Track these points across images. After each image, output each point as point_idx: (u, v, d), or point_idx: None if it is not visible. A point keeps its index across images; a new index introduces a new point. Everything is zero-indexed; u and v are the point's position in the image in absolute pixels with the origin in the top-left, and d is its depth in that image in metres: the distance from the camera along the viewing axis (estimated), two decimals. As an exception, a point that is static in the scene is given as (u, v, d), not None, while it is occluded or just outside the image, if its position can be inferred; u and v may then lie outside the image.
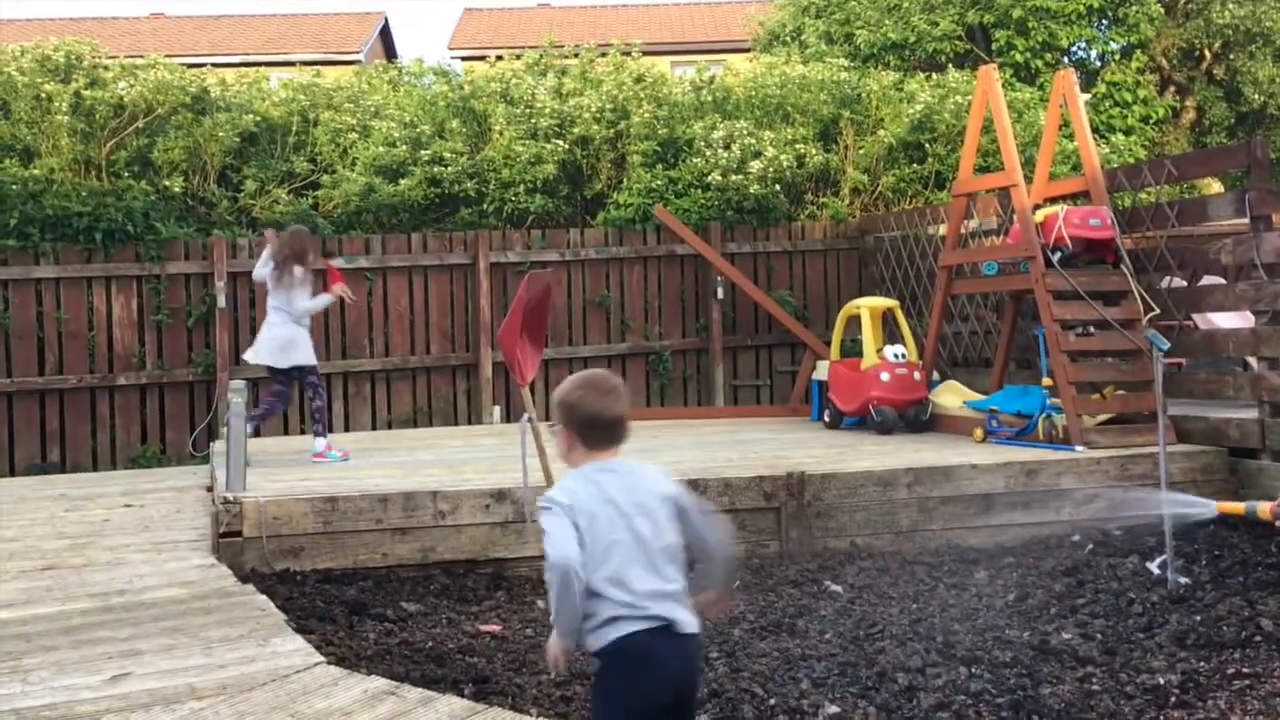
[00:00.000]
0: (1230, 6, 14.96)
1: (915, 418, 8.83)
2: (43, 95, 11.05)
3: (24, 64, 11.43)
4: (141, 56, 12.52)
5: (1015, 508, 6.88)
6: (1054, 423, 7.63)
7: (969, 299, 9.91)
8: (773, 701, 4.13)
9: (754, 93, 12.68)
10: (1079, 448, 7.26)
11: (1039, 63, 14.76)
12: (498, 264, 10.87)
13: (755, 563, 6.37)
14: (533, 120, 11.82)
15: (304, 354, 8.04)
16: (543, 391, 10.95)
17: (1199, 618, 4.90)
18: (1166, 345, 5.78)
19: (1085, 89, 14.34)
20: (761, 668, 4.49)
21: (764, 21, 18.05)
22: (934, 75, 13.46)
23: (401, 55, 31.28)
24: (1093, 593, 5.43)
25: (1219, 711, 3.86)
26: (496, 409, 10.74)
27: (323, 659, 3.98)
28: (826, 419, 9.55)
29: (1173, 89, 16.32)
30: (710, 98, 12.70)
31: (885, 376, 8.88)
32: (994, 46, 14.95)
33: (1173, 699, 3.99)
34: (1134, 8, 15.01)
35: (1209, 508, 4.08)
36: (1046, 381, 7.92)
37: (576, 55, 13.25)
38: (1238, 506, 2.15)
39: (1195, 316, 8.82)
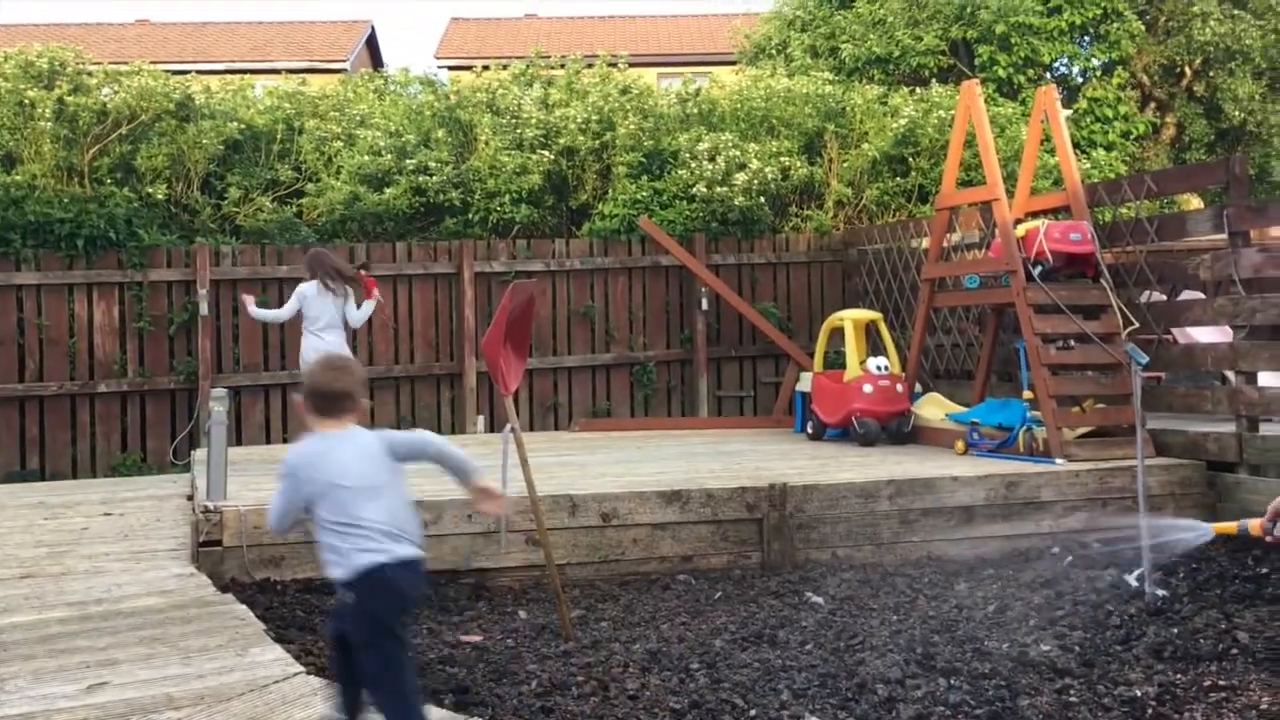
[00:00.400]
0: (1211, 24, 15.09)
1: (897, 430, 8.87)
2: (26, 101, 11.01)
3: (7, 70, 11.40)
4: (126, 63, 12.49)
5: (995, 520, 6.92)
6: (1034, 435, 7.68)
7: (951, 312, 9.96)
8: (753, 712, 4.14)
9: (739, 105, 12.74)
10: (1059, 460, 7.31)
11: (1021, 78, 14.87)
12: (482, 274, 10.87)
13: (737, 573, 6.38)
14: (518, 130, 11.84)
15: None
16: (527, 402, 10.96)
17: (1176, 630, 4.94)
18: (1145, 359, 5.83)
19: (1067, 105, 14.46)
20: (742, 678, 4.50)
21: (750, 35, 18.13)
22: (918, 90, 13.54)
23: (388, 64, 31.26)
24: (1071, 604, 5.46)
25: (1195, 724, 3.90)
26: (480, 418, 10.74)
27: (302, 669, 3.97)
28: (810, 430, 9.58)
29: (1153, 105, 16.45)
30: (696, 110, 12.75)
31: (868, 388, 8.92)
32: (977, 62, 15.04)
33: (1150, 711, 4.01)
34: (1115, 25, 15.14)
35: (1205, 531, 4.10)
36: (1027, 394, 7.96)
37: (563, 66, 13.28)
38: (1230, 526, 2.16)
39: (1174, 331, 8.89)
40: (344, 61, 28.09)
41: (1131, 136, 15.22)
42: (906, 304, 10.42)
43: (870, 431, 8.76)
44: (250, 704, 3.56)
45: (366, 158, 11.38)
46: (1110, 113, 15.04)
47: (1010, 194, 8.80)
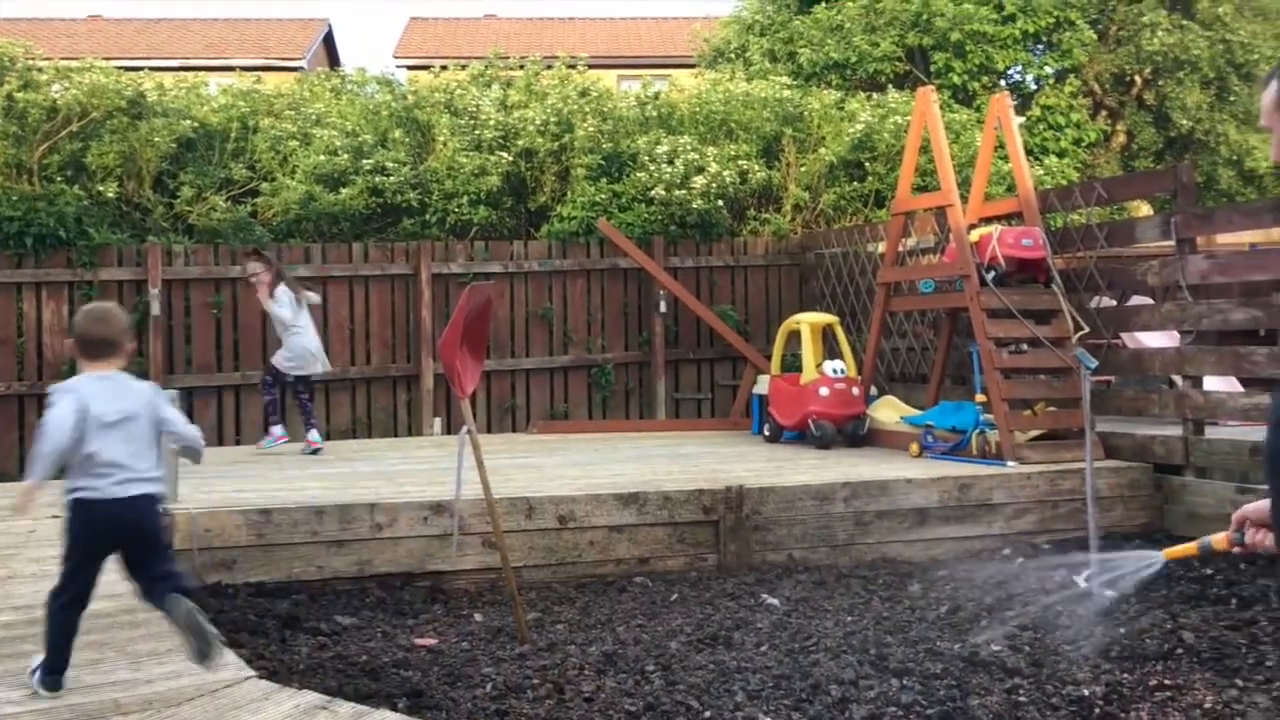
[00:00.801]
0: (1159, 34, 15.36)
1: (853, 432, 8.94)
2: (-27, 97, 10.83)
3: (-46, 65, 11.20)
4: (77, 59, 12.31)
5: (949, 521, 7.00)
6: (987, 438, 7.77)
7: (907, 316, 10.06)
8: (708, 714, 4.16)
9: (698, 109, 12.79)
10: (1011, 463, 7.40)
11: (976, 85, 15.04)
12: (440, 275, 10.82)
13: (693, 575, 6.41)
14: (477, 132, 11.81)
15: None
16: (484, 404, 10.92)
17: (1123, 630, 5.02)
18: (1094, 364, 5.92)
19: (1020, 112, 14.66)
20: (697, 680, 4.51)
21: (709, 38, 18.20)
22: (874, 95, 13.66)
23: (345, 63, 31.06)
24: (1022, 605, 5.53)
25: (1141, 722, 3.96)
26: (437, 421, 10.69)
27: (253, 673, 3.93)
28: (767, 433, 9.63)
29: (1104, 113, 16.71)
30: (655, 113, 12.78)
31: (824, 391, 8.98)
32: (933, 68, 15.20)
33: (1097, 710, 4.08)
34: (1067, 34, 15.36)
35: (1155, 560, 4.11)
36: (980, 398, 8.06)
37: (522, 67, 13.26)
38: (1189, 548, 2.16)
39: (1123, 335, 9.04)
40: (301, 60, 27.87)
41: (1083, 144, 15.45)
42: (863, 307, 10.51)
43: (826, 434, 8.82)
44: (200, 709, 3.52)
45: (322, 157, 11.29)
46: (1062, 120, 15.26)
47: (965, 200, 8.90)
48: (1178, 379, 7.73)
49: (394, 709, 4.03)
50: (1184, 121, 15.67)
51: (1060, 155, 14.83)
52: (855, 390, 9.10)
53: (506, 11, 34.28)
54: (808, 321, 9.56)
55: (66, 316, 9.98)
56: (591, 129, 11.92)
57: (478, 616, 5.63)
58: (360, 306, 10.74)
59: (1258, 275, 7.73)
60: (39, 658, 3.67)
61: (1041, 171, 13.55)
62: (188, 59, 26.93)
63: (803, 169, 12.29)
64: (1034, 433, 7.90)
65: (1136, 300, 8.93)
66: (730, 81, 13.61)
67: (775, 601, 5.81)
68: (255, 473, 7.77)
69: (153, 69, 13.99)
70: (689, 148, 11.69)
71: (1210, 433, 7.41)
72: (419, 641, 5.15)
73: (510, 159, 11.62)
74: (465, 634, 5.29)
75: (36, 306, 9.93)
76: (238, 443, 10.10)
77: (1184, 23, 15.57)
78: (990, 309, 8.03)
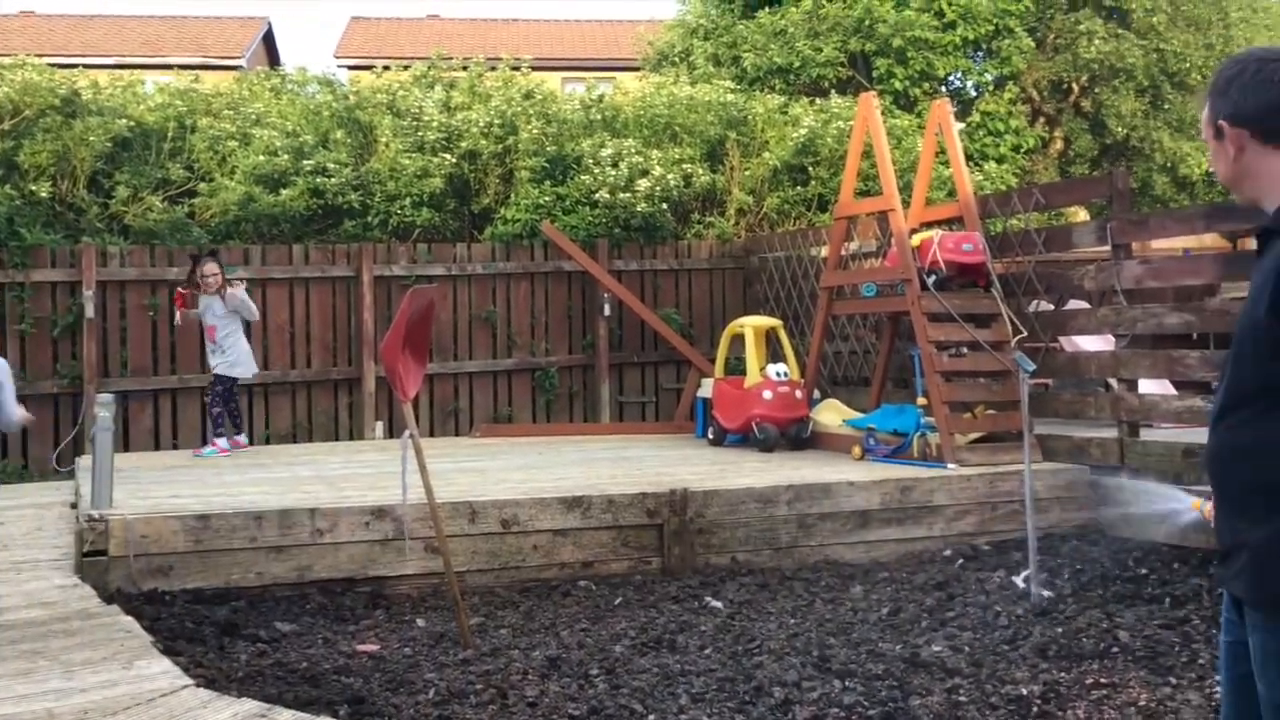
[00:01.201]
0: (1095, 43, 15.66)
1: (797, 435, 8.99)
2: (-100, 93, 10.54)
3: (-121, 59, 10.89)
4: (9, 56, 12.03)
5: (890, 523, 7.06)
6: (928, 441, 7.86)
7: (849, 319, 10.14)
8: (651, 718, 4.16)
9: (642, 112, 12.80)
10: (951, 465, 7.49)
11: (917, 91, 15.22)
12: (382, 277, 10.72)
13: (638, 579, 6.40)
14: (419, 133, 11.72)
15: None
16: (427, 407, 10.84)
17: (1061, 630, 5.09)
18: (1032, 367, 6.01)
19: (960, 118, 14.87)
20: (641, 684, 4.51)
21: (653, 42, 18.24)
22: (817, 100, 13.77)
23: (286, 63, 30.66)
24: (962, 606, 5.60)
25: (1077, 720, 4.03)
26: (379, 424, 10.59)
27: (191, 681, 3.87)
28: (711, 436, 9.66)
29: (1043, 120, 17.00)
30: (599, 115, 12.78)
31: (768, 394, 9.02)
32: (875, 74, 15.37)
33: (1035, 709, 4.14)
34: (1006, 41, 15.60)
35: (1185, 505, 4.02)
36: (921, 401, 8.15)
37: (465, 69, 13.19)
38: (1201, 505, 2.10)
39: (1061, 339, 9.19)
40: (240, 58, 27.50)
41: (1022, 150, 15.70)
42: (806, 311, 10.58)
43: (770, 437, 8.86)
44: (135, 718, 3.45)
45: (262, 158, 11.14)
46: (1002, 126, 15.50)
47: (906, 204, 9.00)
48: (1113, 382, 7.87)
49: (335, 716, 3.98)
50: (1119, 129, 15.99)
51: (1000, 161, 15.06)
52: (798, 393, 9.15)
53: (449, 12, 34.11)
54: (751, 325, 9.60)
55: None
56: (535, 131, 11.89)
57: (420, 622, 5.58)
58: (301, 309, 10.61)
59: (1190, 280, 7.91)
60: None
61: (981, 177, 13.75)
62: (124, 57, 26.44)
63: (747, 173, 12.36)
64: (974, 435, 8.00)
65: (1074, 304, 9.09)
66: (674, 85, 13.65)
67: (719, 604, 5.82)
68: (193, 478, 7.64)
69: (88, 67, 13.73)
70: (633, 151, 11.70)
71: (1145, 435, 7.56)
72: (360, 647, 5.09)
73: (453, 161, 11.55)
74: (407, 639, 5.25)
75: (-35, 308, 9.69)
76: (174, 447, 9.92)
77: (1119, 32, 15.89)
78: (931, 313, 8.12)
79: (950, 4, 15.32)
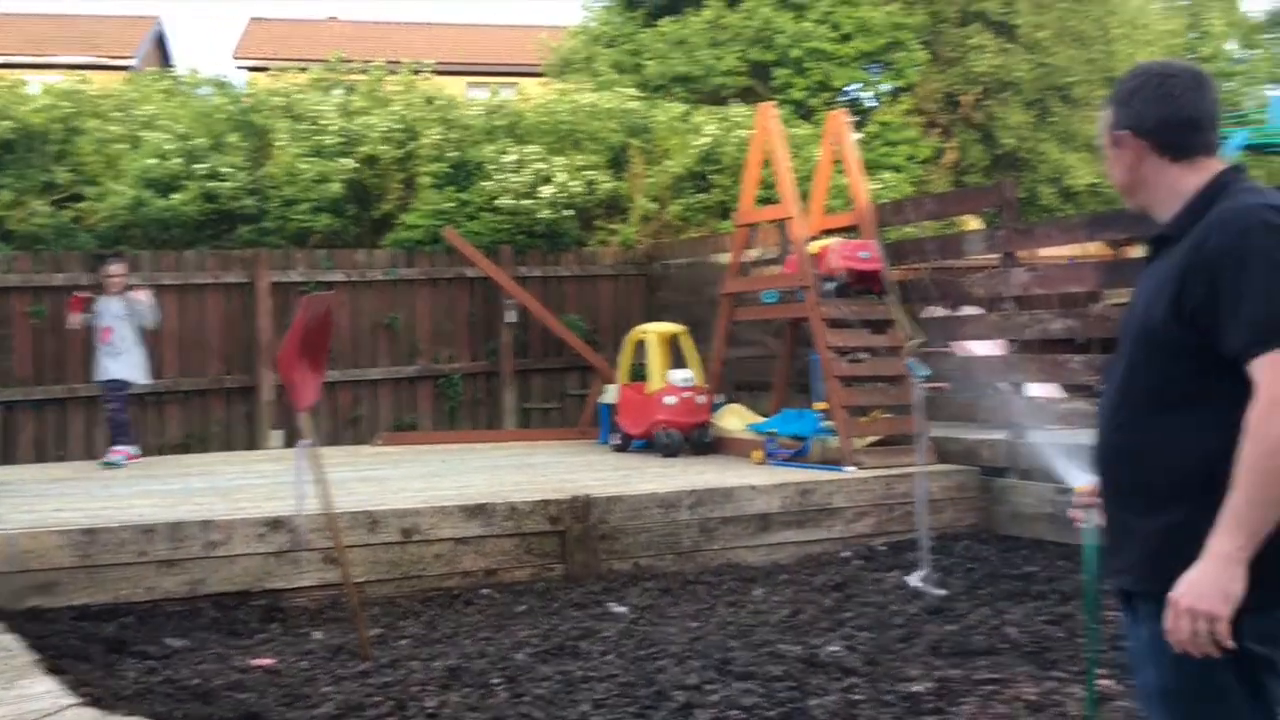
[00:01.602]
0: (986, 56, 16.12)
1: (699, 440, 9.07)
2: None
3: None
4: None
5: (791, 526, 7.16)
6: (827, 444, 7.99)
7: (751, 325, 10.26)
8: (553, 725, 4.16)
9: (546, 118, 12.79)
10: (849, 468, 7.62)
11: (816, 101, 15.49)
12: (279, 284, 10.52)
13: (541, 586, 6.39)
14: (318, 137, 11.54)
15: None
16: (328, 416, 10.67)
17: (952, 627, 5.23)
18: (925, 372, 6.16)
19: (858, 128, 15.16)
20: (543, 691, 4.51)
21: (557, 48, 18.24)
22: (719, 109, 13.91)
23: (181, 64, 29.91)
24: (859, 606, 5.71)
25: (968, 716, 4.13)
26: (277, 434, 10.38)
27: (76, 701, 3.75)
28: (615, 442, 9.69)
29: (937, 131, 17.43)
30: (502, 121, 12.73)
31: (671, 400, 9.08)
32: (774, 84, 15.59)
33: (927, 706, 4.24)
34: (901, 54, 15.97)
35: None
36: (820, 405, 8.28)
37: (365, 72, 13.03)
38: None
39: (954, 344, 9.43)
40: (131, 58, 26.75)
41: (917, 160, 16.07)
42: (709, 317, 10.66)
43: (673, 442, 8.92)
44: (16, 742, 3.34)
45: (152, 161, 10.85)
46: (897, 137, 15.84)
47: (805, 212, 9.14)
48: (1004, 385, 8.10)
49: (228, 733, 3.89)
50: (1009, 140, 16.47)
51: (895, 170, 15.39)
52: (701, 399, 9.24)
53: (350, 14, 33.61)
54: (654, 331, 9.66)
55: None
56: (437, 136, 11.80)
57: (317, 634, 5.49)
58: (194, 316, 10.36)
59: (1074, 287, 8.19)
60: None
61: (878, 186, 14.03)
62: (8, 55, 25.52)
63: (650, 180, 12.43)
64: (871, 438, 8.16)
65: (966, 310, 9.33)
66: (577, 92, 13.67)
67: (622, 610, 5.84)
68: (79, 490, 7.40)
69: (-33, 64, 13.20)
70: (536, 157, 11.69)
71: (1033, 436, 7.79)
72: (255, 662, 4.99)
73: (353, 166, 11.40)
74: (304, 653, 5.16)
75: None
76: (60, 458, 9.60)
77: (1008, 46, 16.38)
78: (830, 319, 8.27)
79: (847, 17, 15.63)
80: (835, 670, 4.67)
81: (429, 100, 12.48)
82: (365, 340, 10.92)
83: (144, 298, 9.00)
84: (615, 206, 12.42)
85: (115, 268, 9.04)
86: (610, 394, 9.97)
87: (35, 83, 12.93)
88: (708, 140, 12.55)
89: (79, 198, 10.86)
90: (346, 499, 6.45)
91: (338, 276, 10.73)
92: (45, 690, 3.81)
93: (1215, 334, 2.02)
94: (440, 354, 11.17)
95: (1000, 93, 16.47)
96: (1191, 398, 2.07)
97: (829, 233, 9.18)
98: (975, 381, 8.64)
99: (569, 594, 6.21)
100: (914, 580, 5.90)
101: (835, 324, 8.27)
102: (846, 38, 15.57)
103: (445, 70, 19.33)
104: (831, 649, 4.96)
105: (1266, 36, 20.76)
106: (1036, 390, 8.44)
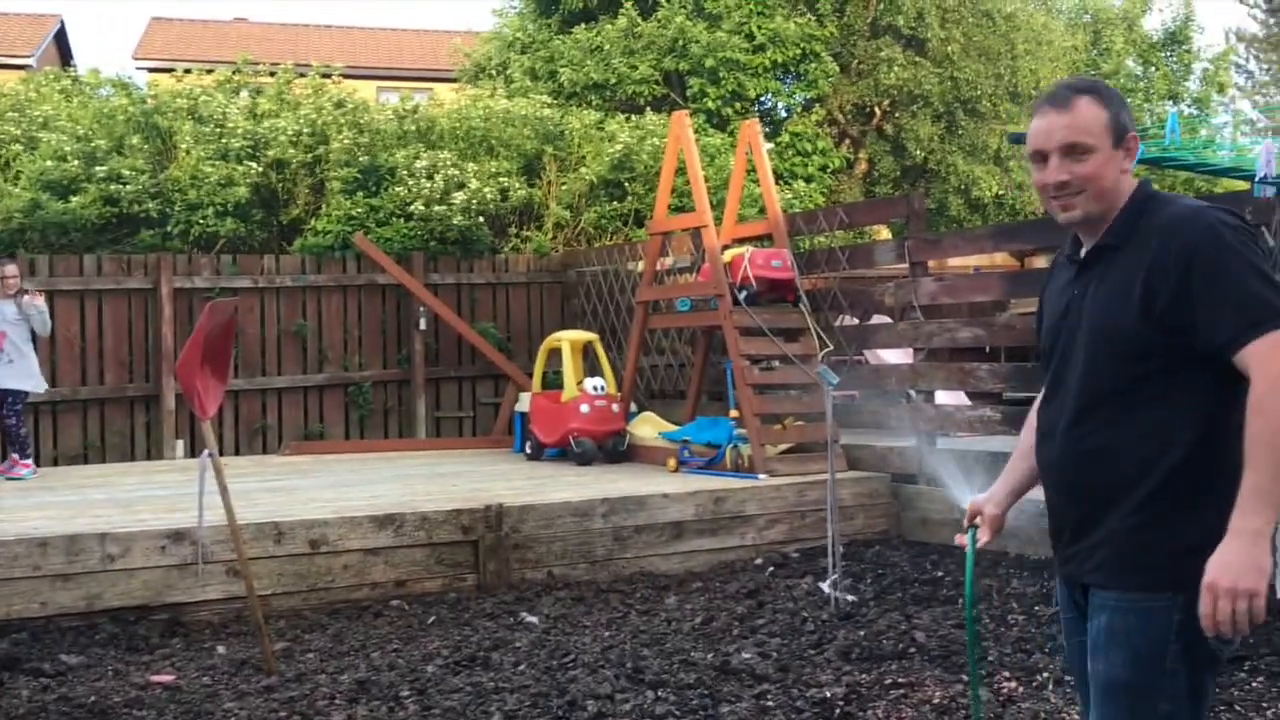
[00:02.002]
0: (896, 69, 16.40)
1: (614, 448, 9.05)
2: None
3: None
4: None
5: (704, 534, 7.18)
6: (740, 452, 8.04)
7: (665, 333, 10.29)
8: (463, 738, 4.10)
9: (458, 124, 12.69)
10: (762, 476, 7.67)
11: (730, 110, 15.60)
12: (183, 290, 10.26)
13: (452, 597, 6.31)
14: (223, 140, 11.29)
15: None
16: (233, 425, 10.43)
17: (863, 632, 5.28)
18: (835, 380, 6.22)
19: (770, 138, 15.32)
20: (453, 704, 4.44)
21: (470, 54, 18.11)
22: (633, 117, 13.94)
23: (80, 64, 29.02)
24: (771, 613, 5.75)
25: (878, 719, 4.18)
26: (179, 443, 10.11)
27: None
28: (528, 450, 9.63)
29: (848, 142, 17.68)
30: (414, 126, 12.60)
31: (585, 408, 9.06)
32: (689, 93, 15.67)
33: (838, 710, 4.27)
34: (813, 65, 16.17)
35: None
36: (733, 413, 8.33)
37: (273, 74, 12.79)
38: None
39: (866, 352, 9.57)
40: (29, 57, 25.87)
41: (829, 170, 16.28)
42: (623, 325, 10.68)
43: (587, 451, 8.89)
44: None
45: (50, 163, 10.52)
46: (810, 147, 16.03)
47: (719, 221, 9.19)
48: (913, 393, 8.23)
49: (124, 754, 3.76)
50: (918, 152, 16.77)
51: (808, 180, 15.57)
52: (615, 407, 9.22)
53: (258, 15, 32.95)
54: (568, 339, 9.62)
55: None
56: (347, 141, 11.63)
57: (221, 649, 5.34)
58: (93, 322, 10.04)
59: (980, 296, 8.36)
60: None
61: (790, 195, 14.18)
62: (-105, 50, 24.51)
63: (564, 187, 12.40)
64: (784, 446, 8.23)
65: (877, 319, 9.47)
66: (491, 98, 13.59)
67: (534, 619, 5.80)
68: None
69: None
70: (449, 163, 11.58)
71: (941, 443, 7.93)
72: (155, 678, 4.84)
73: (260, 170, 11.17)
74: (206, 668, 5.01)
75: None
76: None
77: (917, 59, 16.68)
78: (743, 327, 8.32)
79: (760, 28, 15.78)
80: (747, 677, 4.69)
81: (339, 104, 12.30)
82: (273, 348, 10.70)
83: (40, 302, 8.68)
84: (529, 214, 12.37)
85: (8, 269, 8.72)
86: (524, 402, 9.91)
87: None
88: (621, 148, 12.56)
89: (-30, 199, 10.48)
90: (252, 510, 6.30)
91: (244, 282, 10.49)
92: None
93: (1189, 332, 2.09)
94: (350, 362, 10.99)
95: (910, 105, 16.77)
96: (1158, 396, 2.14)
97: (742, 241, 9.24)
98: (884, 389, 8.78)
99: (481, 604, 6.14)
100: (825, 586, 5.94)
101: (748, 332, 8.32)
102: (760, 48, 15.71)
103: (356, 74, 19.10)
104: (744, 656, 4.97)
105: (1164, 55, 21.47)
106: (944, 398, 8.61)
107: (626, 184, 12.59)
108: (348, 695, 4.56)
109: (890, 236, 14.61)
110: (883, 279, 9.44)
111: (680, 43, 15.65)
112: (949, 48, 16.55)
